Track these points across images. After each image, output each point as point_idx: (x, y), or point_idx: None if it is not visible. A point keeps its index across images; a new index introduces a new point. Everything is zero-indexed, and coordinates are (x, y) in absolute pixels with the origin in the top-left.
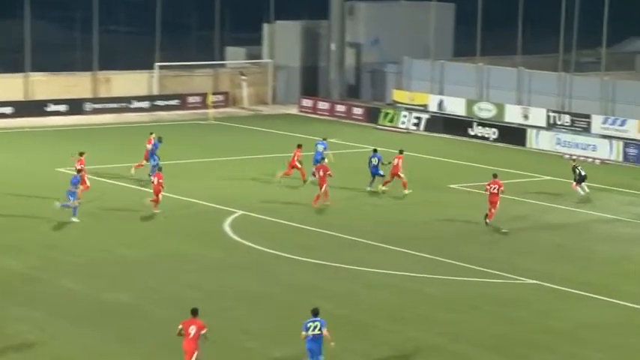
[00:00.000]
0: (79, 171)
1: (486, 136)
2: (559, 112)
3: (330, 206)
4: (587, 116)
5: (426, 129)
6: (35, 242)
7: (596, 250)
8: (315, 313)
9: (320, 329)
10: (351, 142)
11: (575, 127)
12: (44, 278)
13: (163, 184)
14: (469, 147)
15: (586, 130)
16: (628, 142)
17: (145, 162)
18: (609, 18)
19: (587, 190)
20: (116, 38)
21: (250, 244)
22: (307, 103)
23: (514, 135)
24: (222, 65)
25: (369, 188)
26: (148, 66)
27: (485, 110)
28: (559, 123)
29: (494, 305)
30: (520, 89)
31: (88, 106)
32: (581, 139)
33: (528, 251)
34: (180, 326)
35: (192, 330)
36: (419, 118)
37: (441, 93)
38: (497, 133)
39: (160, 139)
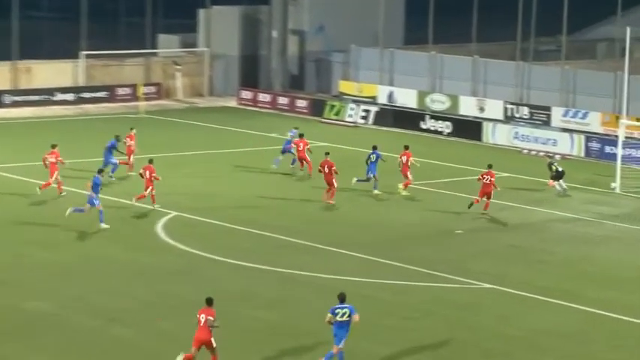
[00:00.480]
0: (99, 171)
1: (440, 129)
2: (517, 104)
3: (332, 205)
4: (547, 108)
5: (375, 122)
6: None
7: (555, 252)
8: (342, 298)
9: (349, 315)
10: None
11: (534, 120)
12: None
13: (157, 177)
14: (421, 141)
15: (545, 124)
16: (590, 136)
17: (130, 160)
18: (570, 3)
19: (565, 187)
20: (38, 24)
21: (184, 247)
22: (247, 94)
23: (469, 129)
24: (155, 54)
25: (375, 192)
26: (73, 55)
27: (439, 102)
28: (517, 116)
29: (450, 310)
30: (475, 79)
31: (7, 99)
32: (540, 132)
33: (483, 253)
34: (198, 316)
35: (202, 318)
36: (367, 111)
37: (390, 84)
38: (451, 126)
39: (117, 138)
